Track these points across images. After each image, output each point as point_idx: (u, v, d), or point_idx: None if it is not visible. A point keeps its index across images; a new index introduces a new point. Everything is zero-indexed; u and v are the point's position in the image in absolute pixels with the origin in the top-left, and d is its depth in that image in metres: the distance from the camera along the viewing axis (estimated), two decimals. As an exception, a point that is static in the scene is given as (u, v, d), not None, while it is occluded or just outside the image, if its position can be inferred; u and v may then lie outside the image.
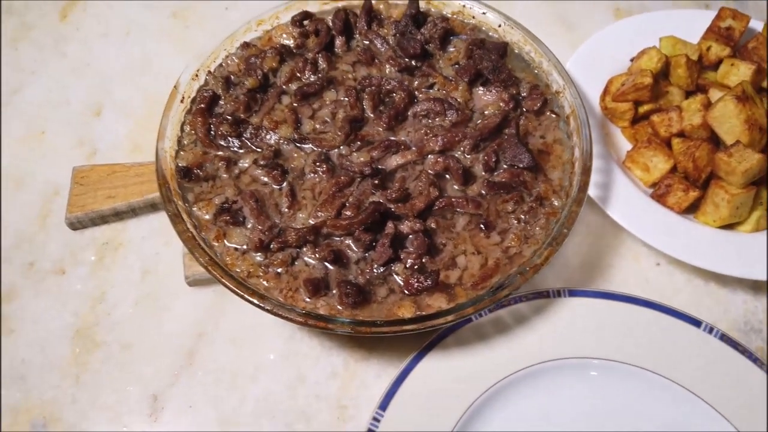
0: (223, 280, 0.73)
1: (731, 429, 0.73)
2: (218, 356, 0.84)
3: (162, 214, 0.95)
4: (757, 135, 0.86)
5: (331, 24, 0.97)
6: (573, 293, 0.82)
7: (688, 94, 0.98)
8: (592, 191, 0.88)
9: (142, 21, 1.19)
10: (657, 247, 0.85)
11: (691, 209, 0.89)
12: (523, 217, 0.80)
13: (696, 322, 0.79)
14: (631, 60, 1.02)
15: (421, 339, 0.80)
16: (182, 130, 0.88)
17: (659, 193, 0.90)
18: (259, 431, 0.79)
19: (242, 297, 0.72)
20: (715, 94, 0.93)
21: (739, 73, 0.93)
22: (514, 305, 0.82)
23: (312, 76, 0.93)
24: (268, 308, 0.72)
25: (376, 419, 0.74)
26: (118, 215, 0.94)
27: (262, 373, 0.83)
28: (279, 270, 0.76)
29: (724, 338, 0.78)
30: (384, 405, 0.75)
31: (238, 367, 0.83)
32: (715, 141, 0.90)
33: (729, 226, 0.88)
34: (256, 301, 0.72)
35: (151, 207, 0.95)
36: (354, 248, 0.78)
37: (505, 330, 0.80)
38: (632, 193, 0.90)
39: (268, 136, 0.86)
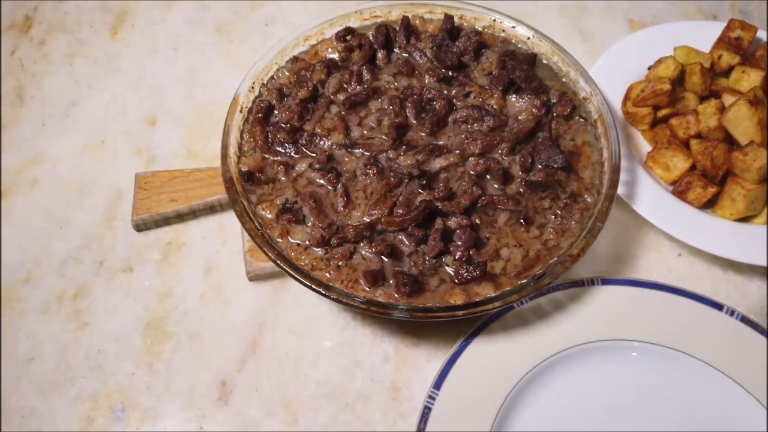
0: (292, 273, 0.80)
1: (753, 400, 0.81)
2: (280, 344, 0.91)
3: (219, 215, 1.03)
4: (769, 135, 0.94)
5: (372, 39, 1.05)
6: (605, 282, 0.90)
7: (702, 99, 1.06)
8: (618, 189, 0.96)
9: (187, 37, 1.27)
10: (679, 238, 0.92)
11: (709, 204, 0.97)
12: (559, 212, 0.88)
13: (718, 306, 0.87)
14: (649, 68, 1.10)
15: (466, 326, 0.87)
16: (241, 137, 0.96)
17: (680, 190, 0.98)
18: (321, 411, 0.86)
19: (309, 287, 0.80)
20: (728, 99, 1.01)
21: (750, 79, 1.02)
22: (552, 294, 0.89)
23: (357, 86, 1.00)
24: (334, 297, 0.79)
25: (431, 397, 0.81)
26: (180, 217, 1.01)
27: (321, 359, 0.90)
28: (339, 263, 0.84)
29: (744, 320, 0.86)
30: (438, 384, 0.82)
31: (299, 354, 0.90)
32: (729, 141, 0.98)
33: (744, 219, 0.96)
34: (322, 291, 0.79)
35: (210, 209, 1.02)
36: (406, 242, 0.85)
37: (545, 316, 0.88)
38: (654, 190, 0.98)
39: (321, 142, 0.94)
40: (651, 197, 0.97)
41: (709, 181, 0.96)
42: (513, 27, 1.06)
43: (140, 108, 1.16)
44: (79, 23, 1.28)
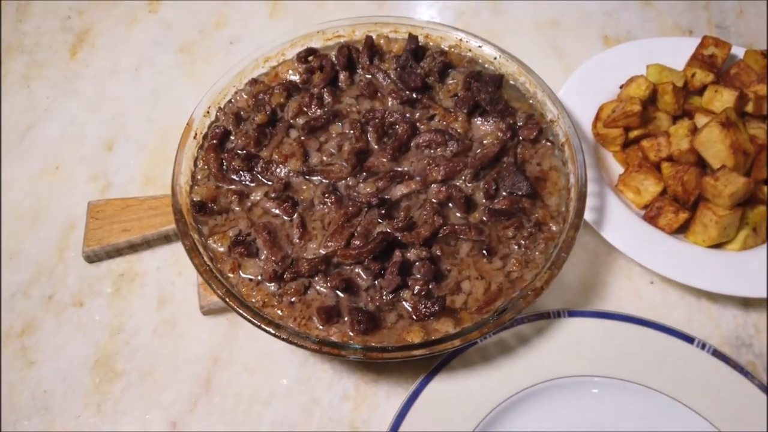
0: (240, 311, 0.77)
1: (725, 440, 0.77)
2: (234, 382, 0.87)
3: (174, 245, 1.00)
4: (742, 159, 0.91)
5: (334, 59, 1.02)
6: (572, 314, 0.86)
7: (675, 119, 1.03)
8: (586, 214, 0.93)
9: (149, 57, 1.23)
10: (650, 267, 0.89)
11: (681, 229, 0.94)
12: (523, 242, 0.84)
13: (689, 339, 0.83)
14: (621, 87, 1.07)
15: (428, 361, 0.83)
16: (195, 165, 0.92)
17: (651, 215, 0.94)
18: (275, 454, 0.82)
19: (259, 327, 0.76)
20: (700, 120, 0.98)
21: (723, 99, 0.98)
22: (517, 327, 0.85)
23: (318, 110, 0.97)
24: (284, 337, 0.75)
25: (388, 440, 0.77)
26: (133, 247, 0.97)
27: (277, 397, 0.86)
28: (292, 299, 0.80)
29: (716, 353, 0.82)
30: (395, 427, 0.78)
31: (254, 392, 0.86)
32: (702, 164, 0.95)
33: (718, 245, 0.92)
34: (272, 331, 0.75)
35: (165, 239, 0.98)
36: (363, 276, 0.82)
37: (508, 351, 0.84)
38: (625, 215, 0.94)
39: (278, 170, 0.91)
40: (621, 223, 0.93)
41: (680, 206, 0.93)
42: (479, 46, 1.03)
43: (99, 131, 1.13)
44: (38, 44, 1.25)
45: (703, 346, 0.83)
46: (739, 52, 1.10)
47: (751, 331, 0.90)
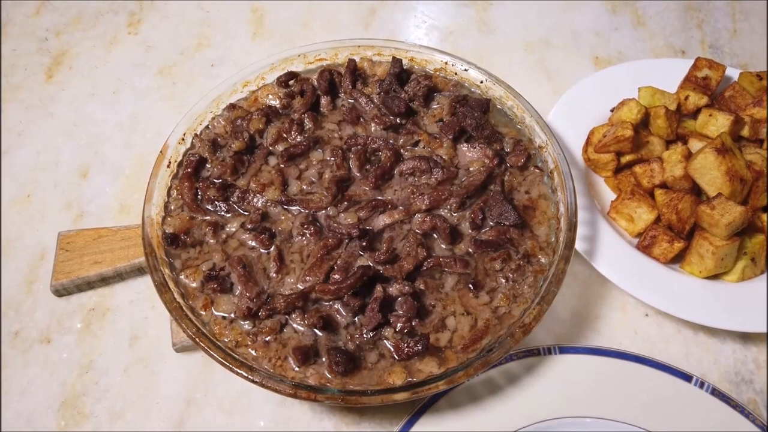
0: (212, 352, 0.72)
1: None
2: (208, 424, 0.83)
3: (149, 277, 0.95)
4: (738, 186, 0.87)
5: (316, 84, 0.99)
6: (563, 350, 0.82)
7: (669, 144, 1.00)
8: (578, 244, 0.89)
9: (128, 79, 1.20)
10: (645, 300, 0.85)
11: (677, 259, 0.90)
12: (511, 275, 0.81)
13: (686, 377, 0.79)
14: (612, 110, 1.04)
15: (413, 401, 0.79)
16: (169, 195, 0.88)
17: (644, 244, 0.90)
18: (250, 503, 0.77)
19: (231, 369, 0.72)
20: (694, 144, 0.94)
21: (718, 123, 0.95)
22: (506, 364, 0.81)
23: (298, 136, 0.93)
24: (258, 381, 0.71)
25: (369, 489, 0.73)
26: (105, 280, 0.93)
27: (253, 441, 0.82)
28: (267, 338, 0.76)
29: (715, 392, 0.78)
30: (377, 474, 0.74)
31: (229, 435, 0.82)
32: (697, 191, 0.92)
33: (714, 276, 0.88)
34: (245, 374, 0.71)
35: (138, 271, 0.94)
36: (343, 313, 0.78)
37: (497, 391, 0.80)
38: (618, 244, 0.91)
39: (255, 199, 0.87)
40: (614, 253, 0.89)
41: (675, 236, 0.89)
42: (465, 70, 1.00)
43: (74, 157, 1.09)
44: (14, 66, 1.21)
45: (702, 385, 0.79)
46: (733, 73, 1.07)
47: (752, 367, 0.86)
